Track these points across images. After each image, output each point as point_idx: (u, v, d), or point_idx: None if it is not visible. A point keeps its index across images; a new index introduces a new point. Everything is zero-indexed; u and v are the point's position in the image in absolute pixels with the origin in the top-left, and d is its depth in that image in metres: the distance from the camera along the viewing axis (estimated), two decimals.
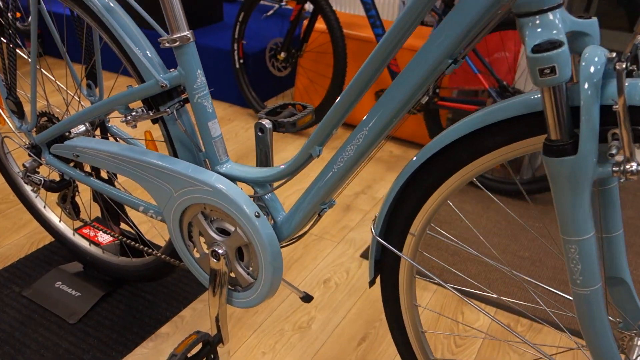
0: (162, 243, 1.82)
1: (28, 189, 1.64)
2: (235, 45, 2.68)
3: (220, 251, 1.15)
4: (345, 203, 2.17)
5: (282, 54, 2.61)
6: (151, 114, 1.14)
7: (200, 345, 1.21)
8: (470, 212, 2.17)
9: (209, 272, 1.19)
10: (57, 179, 1.40)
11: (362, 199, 2.19)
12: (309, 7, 2.60)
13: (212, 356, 1.23)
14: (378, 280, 1.09)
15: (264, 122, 1.11)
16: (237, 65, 2.72)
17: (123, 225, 1.58)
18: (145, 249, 1.36)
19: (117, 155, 1.19)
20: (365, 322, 1.58)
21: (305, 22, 2.59)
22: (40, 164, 1.40)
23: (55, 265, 1.67)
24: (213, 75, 2.96)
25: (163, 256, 1.33)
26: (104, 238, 1.66)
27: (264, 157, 1.16)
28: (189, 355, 1.18)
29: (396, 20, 0.83)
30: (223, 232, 1.16)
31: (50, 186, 1.36)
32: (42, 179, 1.37)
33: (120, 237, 1.43)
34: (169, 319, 1.53)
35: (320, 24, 2.62)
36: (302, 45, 2.63)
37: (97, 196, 1.48)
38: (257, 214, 1.08)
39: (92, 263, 1.59)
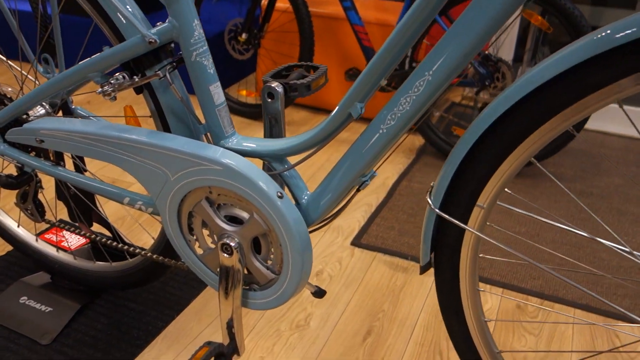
0: (143, 242, 1.55)
1: None
2: None
3: (232, 244, 0.91)
4: None
5: (244, 36, 2.35)
6: (137, 79, 0.89)
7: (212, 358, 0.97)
8: None
9: (219, 270, 0.94)
10: (15, 173, 1.12)
11: None
12: None
13: None
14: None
15: (273, 85, 0.88)
16: None
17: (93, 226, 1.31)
18: (132, 249, 1.10)
19: (95, 136, 0.92)
20: (367, 314, 1.38)
21: (265, 1, 2.34)
22: None
23: (16, 278, 1.37)
24: None
25: (155, 256, 1.07)
26: (73, 242, 1.38)
27: (275, 128, 0.93)
28: None
29: None
30: (233, 220, 0.92)
31: (7, 182, 1.08)
32: None
33: (98, 239, 1.16)
34: (162, 330, 1.26)
35: (280, 3, 2.39)
36: (263, 25, 2.38)
37: (63, 190, 1.20)
38: (279, 194, 0.85)
39: (62, 272, 1.31)
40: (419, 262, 1.56)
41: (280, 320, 1.35)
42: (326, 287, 1.47)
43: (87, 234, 1.17)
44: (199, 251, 0.98)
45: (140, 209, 0.99)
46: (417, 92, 0.73)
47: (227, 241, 0.91)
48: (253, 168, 0.86)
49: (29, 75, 1.14)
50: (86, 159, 1.18)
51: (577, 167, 2.15)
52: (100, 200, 1.30)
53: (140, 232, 1.62)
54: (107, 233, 1.30)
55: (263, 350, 1.26)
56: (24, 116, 1.05)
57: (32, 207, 1.14)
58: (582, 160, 2.20)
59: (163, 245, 1.09)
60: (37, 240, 1.33)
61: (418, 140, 2.31)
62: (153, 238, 1.14)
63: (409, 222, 1.77)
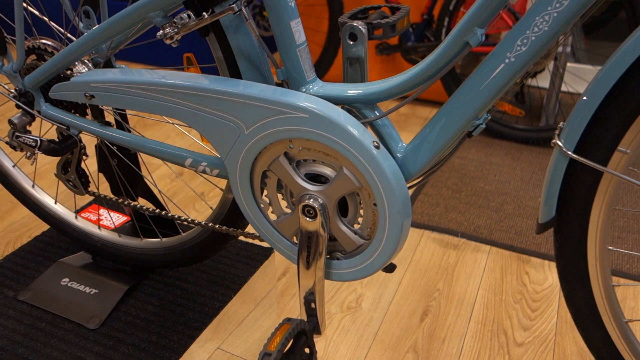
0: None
1: (8, 163, 1.19)
2: None
3: (315, 205, 0.77)
4: None
5: None
6: (206, 16, 0.75)
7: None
8: (500, 164, 1.86)
9: (298, 237, 0.81)
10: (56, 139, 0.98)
11: None
12: None
13: (307, 350, 0.85)
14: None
15: (356, 25, 0.74)
16: None
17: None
18: (190, 219, 0.96)
19: (157, 86, 0.79)
20: (422, 294, 1.25)
21: None
22: (32, 119, 0.97)
23: (54, 259, 1.23)
24: (187, 40, 2.51)
25: (217, 226, 0.93)
26: (114, 219, 1.24)
27: (357, 73, 0.79)
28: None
29: None
30: (314, 179, 0.78)
31: (50, 148, 0.94)
32: (38, 139, 0.95)
33: (151, 210, 1.02)
34: (219, 310, 1.13)
35: None
36: None
37: (109, 158, 1.05)
38: (375, 143, 0.72)
39: (105, 251, 1.17)
40: (467, 235, 1.43)
41: (330, 302, 1.22)
42: None
43: (141, 207, 1.03)
44: (272, 217, 0.85)
45: (204, 172, 0.85)
46: (559, 7, 0.60)
47: (310, 202, 0.77)
48: (345, 115, 0.72)
49: (68, 34, 1.01)
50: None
51: None
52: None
53: (183, 205, 1.49)
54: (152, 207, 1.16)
55: None
56: (67, 72, 0.92)
57: (75, 177, 1.00)
58: None
59: (224, 214, 0.96)
60: (76, 217, 1.19)
61: None
62: (211, 208, 1.00)
63: (454, 198, 1.64)
